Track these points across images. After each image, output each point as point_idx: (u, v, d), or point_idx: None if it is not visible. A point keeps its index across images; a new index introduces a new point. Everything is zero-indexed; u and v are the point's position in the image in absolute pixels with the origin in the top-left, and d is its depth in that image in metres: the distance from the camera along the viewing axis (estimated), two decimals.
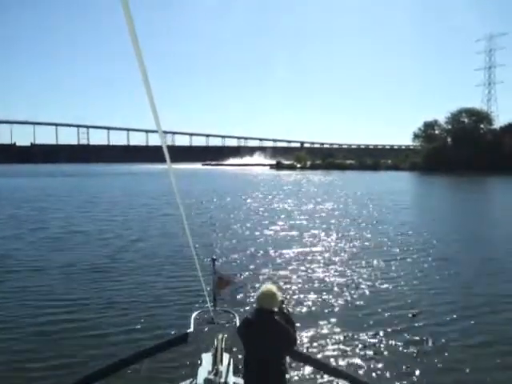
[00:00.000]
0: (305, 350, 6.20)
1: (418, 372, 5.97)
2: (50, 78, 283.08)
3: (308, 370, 5.64)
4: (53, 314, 8.20)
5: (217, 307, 4.63)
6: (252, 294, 8.18)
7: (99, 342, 6.90)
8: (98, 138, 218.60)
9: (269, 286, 3.65)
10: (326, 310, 8.32)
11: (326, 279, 10.48)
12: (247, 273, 10.95)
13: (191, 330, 4.21)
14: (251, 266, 11.63)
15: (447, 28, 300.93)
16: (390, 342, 6.92)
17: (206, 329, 5.16)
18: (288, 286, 9.73)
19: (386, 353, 6.55)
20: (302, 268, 11.47)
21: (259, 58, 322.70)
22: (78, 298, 9.10)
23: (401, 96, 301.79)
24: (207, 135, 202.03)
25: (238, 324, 4.13)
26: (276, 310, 3.56)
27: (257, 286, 4.31)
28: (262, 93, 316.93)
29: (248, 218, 21.13)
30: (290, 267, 11.59)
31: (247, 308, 6.82)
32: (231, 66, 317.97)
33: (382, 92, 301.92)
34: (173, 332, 6.19)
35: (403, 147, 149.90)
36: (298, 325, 7.19)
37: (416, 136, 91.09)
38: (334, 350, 6.62)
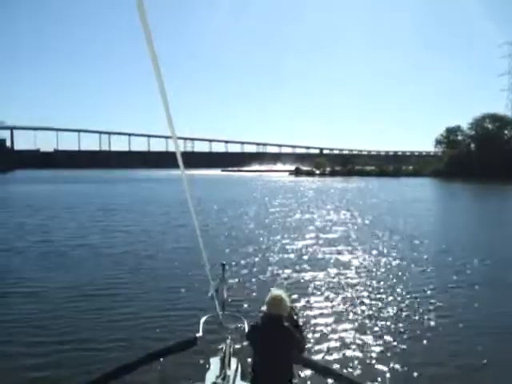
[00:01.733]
0: (313, 357, 6.16)
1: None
2: (72, 84, 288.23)
3: (316, 376, 5.63)
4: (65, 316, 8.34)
5: (225, 312, 4.66)
6: (261, 300, 8.28)
7: (108, 344, 6.98)
8: (118, 144, 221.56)
9: (277, 292, 3.67)
10: (337, 318, 8.30)
11: (338, 287, 10.42)
12: (257, 278, 11.01)
13: (200, 334, 4.21)
14: (262, 272, 11.68)
15: (471, 32, 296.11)
16: (403, 352, 6.81)
17: (214, 333, 5.17)
18: (299, 293, 9.72)
19: (398, 364, 6.46)
20: (314, 275, 11.43)
21: (277, 64, 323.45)
22: (86, 298, 9.36)
23: (422, 102, 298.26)
24: (226, 141, 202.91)
25: (246, 329, 4.14)
26: (285, 315, 3.56)
27: (266, 291, 3.85)
28: (281, 99, 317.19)
29: (263, 225, 20.90)
30: (303, 274, 11.57)
31: (256, 313, 6.82)
32: (249, 72, 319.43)
33: (402, 97, 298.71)
34: (181, 336, 6.20)
35: (424, 153, 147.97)
36: (307, 331, 7.31)
37: (438, 142, 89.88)
38: (343, 358, 6.61)
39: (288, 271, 11.93)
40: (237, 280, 10.71)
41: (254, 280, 10.91)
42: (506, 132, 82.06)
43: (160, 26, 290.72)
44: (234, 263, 12.51)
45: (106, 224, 20.64)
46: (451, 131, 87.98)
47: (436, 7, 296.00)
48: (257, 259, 13.38)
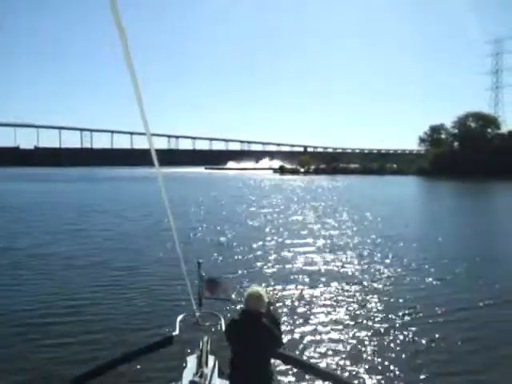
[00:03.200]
0: (292, 352, 6.16)
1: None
2: (54, 80, 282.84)
3: (295, 371, 5.74)
4: (35, 316, 8.31)
5: (202, 310, 4.64)
6: (238, 297, 8.28)
7: (83, 345, 6.98)
8: (101, 142, 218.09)
9: (255, 288, 3.69)
10: (314, 313, 8.55)
11: (316, 282, 10.64)
12: (233, 275, 11.09)
13: (176, 332, 4.19)
14: (238, 269, 11.79)
15: (454, 30, 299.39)
16: (384, 348, 6.98)
17: (191, 331, 5.07)
18: (278, 288, 9.97)
19: (377, 358, 6.61)
20: (294, 273, 11.55)
21: (262, 61, 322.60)
22: (61, 299, 9.35)
23: (405, 99, 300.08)
24: (210, 139, 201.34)
25: (223, 326, 4.18)
26: (263, 311, 3.56)
27: (244, 289, 4.42)
28: (265, 96, 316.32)
29: (242, 224, 20.74)
30: (281, 271, 11.78)
31: (232, 310, 6.95)
32: (234, 69, 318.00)
33: (386, 95, 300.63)
34: (158, 335, 6.17)
35: (407, 151, 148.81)
36: (286, 327, 7.57)
37: (422, 140, 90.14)
38: (321, 352, 6.78)
39: (267, 268, 12.07)
40: (213, 276, 10.42)
41: (231, 277, 10.79)
42: (489, 130, 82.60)
43: (149, 21, 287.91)
44: (211, 261, 12.46)
45: (80, 227, 19.48)
46: (435, 129, 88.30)
47: (423, 6, 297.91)
48: (235, 257, 13.46)
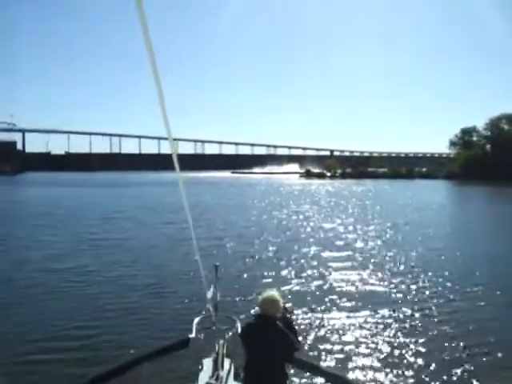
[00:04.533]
0: (307, 358, 6.06)
1: None
2: (83, 85, 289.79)
3: (310, 377, 5.71)
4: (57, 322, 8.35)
5: (218, 313, 4.67)
6: (254, 301, 8.27)
7: (101, 346, 7.12)
8: (129, 147, 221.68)
9: (271, 292, 3.69)
10: (331, 320, 8.44)
11: (336, 291, 10.39)
12: (251, 280, 11.17)
13: (193, 335, 4.24)
14: (257, 274, 11.82)
15: (484, 32, 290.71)
16: (402, 355, 6.92)
17: (207, 334, 5.15)
18: (294, 295, 9.87)
19: (394, 366, 6.54)
20: (312, 281, 11.31)
21: (286, 65, 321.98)
22: (78, 298, 9.72)
23: (434, 102, 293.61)
24: (236, 143, 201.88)
25: (239, 330, 4.13)
26: (278, 315, 3.56)
27: (259, 292, 3.85)
28: (291, 100, 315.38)
29: (263, 229, 20.44)
30: (300, 277, 11.62)
31: (249, 314, 6.93)
32: (259, 74, 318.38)
33: (413, 97, 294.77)
34: (174, 337, 6.04)
35: (436, 155, 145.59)
36: (303, 332, 7.42)
37: (453, 143, 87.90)
38: (338, 359, 6.74)
39: (283, 274, 11.96)
40: (230, 281, 10.71)
41: (247, 281, 11.06)
42: None
43: (170, 26, 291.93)
44: (228, 265, 12.44)
45: (101, 235, 19.25)
46: (466, 132, 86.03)
47: (453, 11, 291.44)
48: (251, 261, 13.48)
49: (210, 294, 4.45)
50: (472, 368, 6.53)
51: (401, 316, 8.79)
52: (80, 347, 7.13)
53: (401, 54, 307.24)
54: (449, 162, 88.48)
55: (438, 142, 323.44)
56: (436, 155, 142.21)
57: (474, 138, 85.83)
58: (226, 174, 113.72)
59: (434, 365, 6.61)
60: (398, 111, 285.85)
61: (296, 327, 3.86)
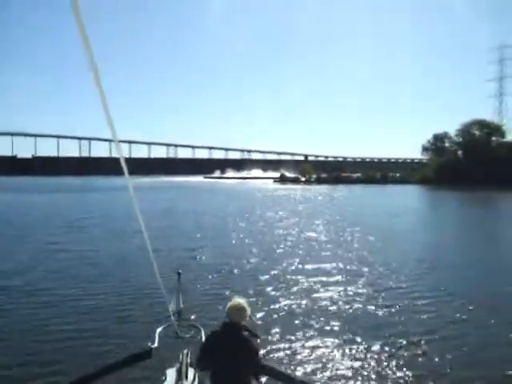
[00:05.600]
0: (273, 364, 5.74)
1: None
2: (51, 89, 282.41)
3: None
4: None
5: (182, 321, 4.62)
6: (218, 309, 8.42)
7: (59, 358, 6.85)
8: (99, 151, 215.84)
9: (238, 299, 3.68)
10: (297, 325, 8.37)
11: (305, 298, 10.14)
12: (215, 287, 10.98)
13: (155, 345, 4.13)
14: (221, 281, 11.65)
15: (457, 38, 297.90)
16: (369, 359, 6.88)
17: (170, 343, 4.97)
18: (260, 302, 9.67)
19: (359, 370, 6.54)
20: (278, 287, 11.13)
21: (261, 69, 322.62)
22: (33, 311, 9.12)
23: (407, 108, 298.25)
24: (210, 148, 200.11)
25: (203, 338, 4.13)
26: (244, 324, 3.57)
27: (224, 300, 4.49)
28: (265, 104, 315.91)
29: (230, 236, 19.90)
30: (266, 285, 11.30)
31: (213, 322, 6.43)
32: (234, 78, 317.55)
33: (387, 103, 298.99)
34: (136, 347, 5.63)
35: (408, 160, 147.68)
36: (267, 339, 7.53)
37: (425, 149, 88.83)
38: (304, 364, 6.70)
39: (249, 280, 11.73)
40: (194, 288, 10.51)
41: (212, 289, 10.84)
42: (493, 139, 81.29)
43: (150, 29, 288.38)
44: (191, 272, 12.27)
45: (63, 246, 17.65)
46: (438, 138, 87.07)
47: (424, 15, 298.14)
48: (216, 268, 13.09)
49: (172, 302, 4.39)
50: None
51: (373, 324, 8.60)
52: (36, 363, 6.74)
53: (376, 62, 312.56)
54: (422, 168, 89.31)
55: (409, 148, 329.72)
56: (408, 160, 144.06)
57: (446, 144, 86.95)
58: (198, 179, 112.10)
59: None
60: (373, 117, 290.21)
61: (258, 335, 3.86)
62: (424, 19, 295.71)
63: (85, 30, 1.52)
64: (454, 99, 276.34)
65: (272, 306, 9.47)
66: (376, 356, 7.00)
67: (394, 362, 6.78)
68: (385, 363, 6.77)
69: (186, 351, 4.21)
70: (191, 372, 4.02)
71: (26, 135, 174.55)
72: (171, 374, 4.10)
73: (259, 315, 8.74)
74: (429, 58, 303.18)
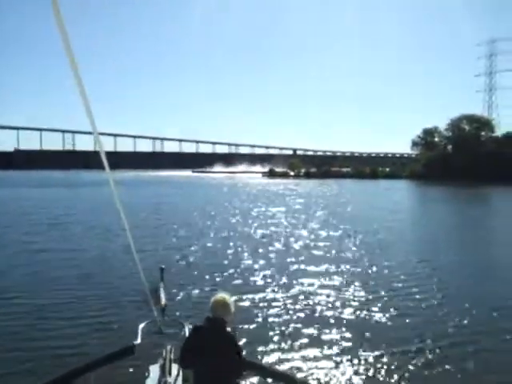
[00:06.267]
0: (256, 359, 6.03)
1: None
2: (35, 79, 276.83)
3: (261, 380, 5.63)
4: None
5: (165, 317, 4.51)
6: (202, 304, 8.25)
7: (38, 355, 6.89)
8: (83, 144, 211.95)
9: (222, 295, 3.65)
10: (281, 322, 8.44)
11: (291, 295, 10.17)
12: (199, 283, 10.93)
13: (138, 341, 4.06)
14: (205, 277, 11.56)
15: (446, 33, 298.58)
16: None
17: (153, 340, 4.69)
18: (245, 298, 9.71)
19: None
20: (264, 283, 11.20)
21: (250, 61, 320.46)
22: (18, 309, 9.11)
23: (397, 102, 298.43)
24: (197, 141, 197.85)
25: (187, 334, 4.10)
26: (229, 319, 3.55)
27: (208, 296, 4.19)
28: (253, 98, 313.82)
29: (216, 232, 19.66)
30: (250, 280, 11.43)
31: (197, 318, 6.35)
32: (222, 70, 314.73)
33: (376, 97, 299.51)
34: (119, 344, 5.13)
35: (397, 155, 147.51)
36: (251, 336, 7.68)
37: (415, 143, 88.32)
38: (286, 359, 6.81)
39: (232, 276, 11.79)
40: (177, 284, 10.48)
41: (196, 284, 10.81)
42: (483, 133, 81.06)
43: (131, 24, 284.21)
44: (175, 267, 12.32)
45: (43, 245, 16.67)
46: (428, 132, 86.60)
47: (414, 9, 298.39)
48: (201, 264, 13.09)
49: (155, 298, 4.34)
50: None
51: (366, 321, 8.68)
52: (19, 359, 6.80)
53: (366, 56, 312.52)
54: (411, 162, 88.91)
55: (399, 143, 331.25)
56: (398, 155, 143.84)
57: (436, 139, 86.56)
58: (186, 173, 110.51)
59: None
60: (362, 111, 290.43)
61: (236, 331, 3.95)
62: (412, 15, 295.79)
63: (61, 18, 1.51)
64: (443, 94, 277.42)
65: (259, 305, 9.39)
66: (376, 363, 6.83)
67: (395, 369, 6.65)
68: (384, 370, 6.63)
69: (169, 347, 4.19)
70: (175, 368, 3.98)
71: (7, 128, 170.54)
72: (155, 370, 4.10)
73: (244, 315, 8.59)
74: (418, 54, 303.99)
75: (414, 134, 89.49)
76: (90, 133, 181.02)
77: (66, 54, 1.61)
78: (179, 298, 9.48)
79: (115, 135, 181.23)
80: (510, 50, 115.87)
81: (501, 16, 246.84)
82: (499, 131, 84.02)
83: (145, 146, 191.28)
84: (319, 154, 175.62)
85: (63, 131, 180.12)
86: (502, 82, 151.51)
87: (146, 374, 4.10)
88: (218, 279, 11.45)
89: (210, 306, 3.59)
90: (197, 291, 10.14)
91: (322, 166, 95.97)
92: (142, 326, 4.34)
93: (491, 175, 63.65)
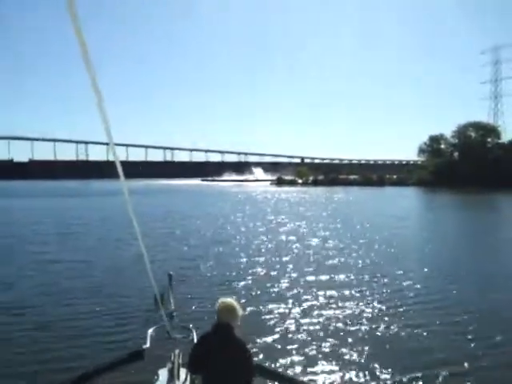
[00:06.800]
0: (265, 365, 5.87)
1: None
2: (50, 91, 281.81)
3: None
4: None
5: (173, 323, 4.60)
6: (210, 310, 8.41)
7: (52, 358, 7.06)
8: (96, 154, 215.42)
9: (229, 300, 3.66)
10: (289, 327, 8.63)
11: (294, 303, 10.27)
12: (206, 288, 11.25)
13: (147, 345, 4.18)
14: (211, 283, 11.90)
15: (453, 40, 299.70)
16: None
17: (162, 345, 4.84)
18: (250, 305, 9.84)
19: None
20: (271, 290, 11.32)
21: (258, 72, 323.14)
22: (32, 314, 9.45)
23: (404, 110, 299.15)
24: (206, 151, 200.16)
25: (195, 339, 4.17)
26: (236, 324, 3.54)
27: (215, 300, 3.67)
28: (262, 107, 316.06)
29: (220, 240, 20.04)
30: (257, 288, 11.51)
31: (204, 323, 6.92)
32: (230, 80, 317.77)
33: (384, 105, 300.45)
34: (128, 348, 5.78)
35: (404, 162, 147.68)
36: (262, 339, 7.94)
37: (421, 150, 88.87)
38: (298, 366, 6.88)
39: (238, 283, 11.97)
40: (186, 290, 10.72)
41: (202, 290, 11.10)
42: (489, 140, 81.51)
43: (139, 30, 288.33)
44: (184, 274, 12.58)
45: (54, 256, 17.34)
46: (435, 139, 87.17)
47: (418, 16, 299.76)
48: (209, 271, 13.45)
49: (164, 304, 4.38)
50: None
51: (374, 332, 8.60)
52: (31, 361, 7.00)
53: (373, 64, 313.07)
54: (418, 169, 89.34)
55: (404, 150, 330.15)
56: (404, 162, 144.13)
57: (442, 146, 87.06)
58: (196, 182, 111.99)
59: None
60: (369, 120, 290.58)
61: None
62: (419, 22, 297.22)
63: (82, 33, 1.50)
64: (449, 101, 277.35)
65: (266, 316, 9.32)
66: (386, 375, 6.76)
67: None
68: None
69: (177, 352, 4.23)
70: (183, 372, 4.04)
71: (22, 139, 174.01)
72: (163, 374, 4.13)
73: (253, 323, 8.58)
74: (425, 61, 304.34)
75: (421, 141, 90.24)
76: (102, 143, 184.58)
77: (85, 67, 1.65)
78: (188, 303, 9.56)
79: (127, 145, 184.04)
80: None
81: (505, 23, 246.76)
82: (505, 138, 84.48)
83: (156, 156, 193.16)
84: (326, 161, 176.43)
85: (77, 142, 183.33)
86: (507, 89, 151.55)
87: (155, 378, 4.12)
88: (225, 286, 11.56)
89: (216, 312, 3.60)
90: (205, 298, 10.23)
91: (330, 173, 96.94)
92: (150, 331, 4.45)
93: (498, 182, 63.98)
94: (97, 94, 1.78)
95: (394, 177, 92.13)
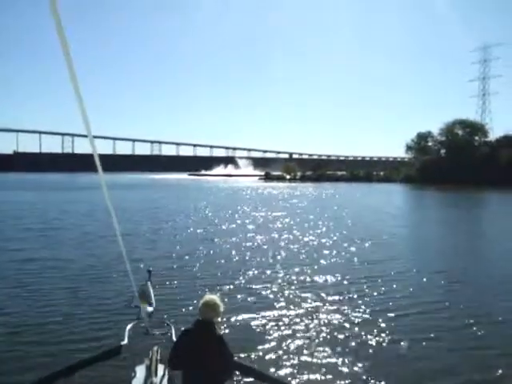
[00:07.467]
0: (245, 362, 5.71)
1: None
2: (35, 83, 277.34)
3: (249, 381, 5.62)
4: None
5: (152, 318, 4.52)
6: (189, 306, 8.63)
7: (27, 356, 6.84)
8: (82, 147, 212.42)
9: (212, 297, 3.63)
10: (271, 323, 8.43)
11: (277, 296, 10.20)
12: (186, 284, 11.06)
13: (125, 342, 4.10)
14: (192, 279, 11.66)
15: (441, 38, 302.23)
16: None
17: (140, 341, 4.80)
18: (233, 300, 9.67)
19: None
20: (252, 285, 11.17)
21: (247, 68, 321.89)
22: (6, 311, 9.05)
23: (392, 107, 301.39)
24: (194, 145, 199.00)
25: (173, 335, 4.21)
26: (217, 321, 3.57)
27: (195, 297, 4.72)
28: (251, 102, 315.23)
29: (205, 235, 19.72)
30: (240, 282, 11.42)
31: (183, 319, 6.83)
32: (219, 75, 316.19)
33: (372, 103, 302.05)
34: (106, 344, 5.95)
35: (391, 159, 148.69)
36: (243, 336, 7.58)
37: (409, 148, 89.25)
38: (276, 362, 6.71)
39: (221, 280, 11.64)
40: (165, 286, 10.54)
41: (182, 286, 10.90)
42: (476, 138, 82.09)
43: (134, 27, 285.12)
44: (165, 270, 12.37)
45: (31, 253, 16.97)
46: (422, 137, 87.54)
47: (409, 15, 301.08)
48: (191, 267, 13.12)
49: (142, 299, 4.35)
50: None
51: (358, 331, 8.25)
52: (6, 358, 6.78)
53: (361, 61, 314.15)
54: (405, 166, 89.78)
55: (391, 147, 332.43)
56: (392, 159, 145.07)
57: (430, 143, 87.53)
58: (183, 176, 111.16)
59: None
60: (357, 116, 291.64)
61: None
62: (407, 19, 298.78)
63: (61, 26, 1.51)
64: (437, 98, 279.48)
65: (248, 314, 8.87)
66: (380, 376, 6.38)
67: None
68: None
69: (156, 348, 4.22)
70: (161, 368, 4.01)
71: (7, 130, 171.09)
72: (141, 370, 4.09)
73: (235, 320, 8.34)
74: (413, 59, 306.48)
75: (408, 138, 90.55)
76: (86, 136, 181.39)
77: (65, 60, 1.66)
78: (168, 300, 9.18)
79: (114, 138, 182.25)
80: (503, 56, 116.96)
81: (495, 22, 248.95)
82: (492, 136, 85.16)
83: (143, 149, 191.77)
84: (314, 157, 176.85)
85: (62, 134, 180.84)
86: (495, 88, 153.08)
87: (133, 375, 4.04)
88: (207, 282, 11.21)
89: (199, 309, 3.58)
90: (186, 294, 9.97)
91: (318, 169, 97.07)
92: (129, 326, 4.37)
93: (484, 179, 64.50)
94: (74, 84, 1.76)
95: (382, 173, 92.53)
